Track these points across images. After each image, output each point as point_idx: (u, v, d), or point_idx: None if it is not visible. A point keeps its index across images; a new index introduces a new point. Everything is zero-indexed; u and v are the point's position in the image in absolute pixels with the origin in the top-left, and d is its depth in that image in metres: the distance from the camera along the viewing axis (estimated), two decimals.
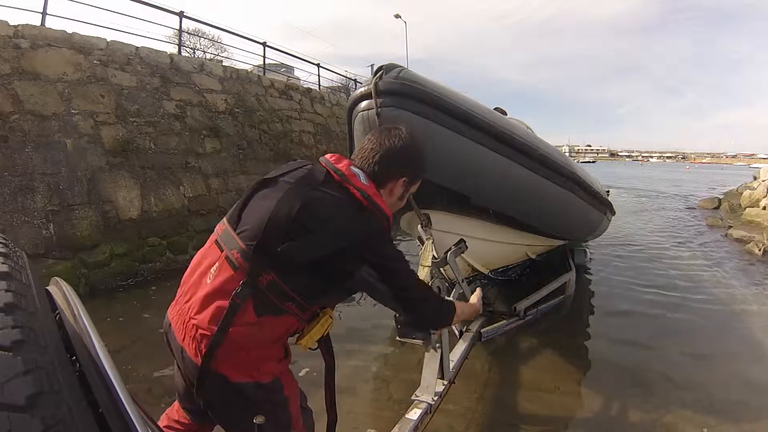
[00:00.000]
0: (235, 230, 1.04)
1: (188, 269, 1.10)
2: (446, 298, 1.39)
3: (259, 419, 0.92)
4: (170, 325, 1.08)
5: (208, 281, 1.02)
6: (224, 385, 1.01)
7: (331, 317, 1.12)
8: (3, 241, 0.85)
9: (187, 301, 1.04)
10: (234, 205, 1.11)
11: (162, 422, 1.25)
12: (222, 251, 1.03)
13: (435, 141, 2.03)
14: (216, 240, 1.07)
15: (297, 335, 1.10)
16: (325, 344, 1.18)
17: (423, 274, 2.17)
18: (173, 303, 1.11)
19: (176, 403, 1.27)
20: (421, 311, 1.20)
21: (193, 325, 1.00)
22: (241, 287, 0.97)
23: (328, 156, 1.13)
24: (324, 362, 1.21)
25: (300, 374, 2.37)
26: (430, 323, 1.36)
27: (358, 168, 1.10)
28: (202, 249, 1.11)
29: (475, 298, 1.72)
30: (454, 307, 1.31)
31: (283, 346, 1.10)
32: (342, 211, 1.02)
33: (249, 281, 0.98)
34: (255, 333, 1.00)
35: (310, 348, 1.12)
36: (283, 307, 1.00)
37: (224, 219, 1.10)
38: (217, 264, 1.02)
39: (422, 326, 1.41)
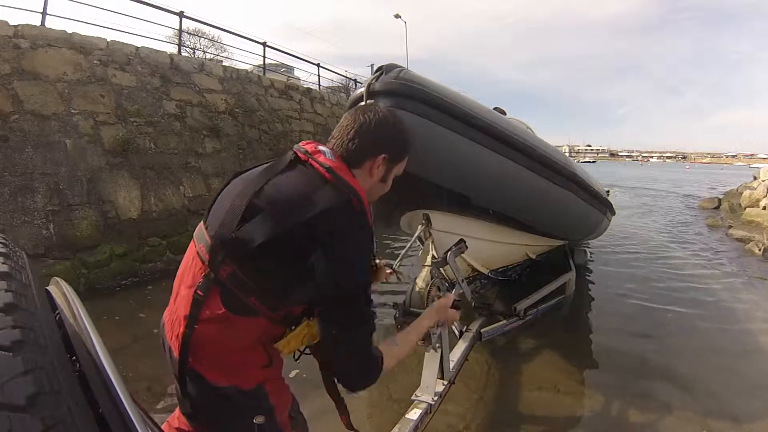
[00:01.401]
0: (204, 225, 1.02)
1: (179, 269, 1.09)
2: (376, 353, 1.09)
3: (259, 419, 0.91)
4: (163, 325, 1.08)
5: (186, 279, 1.01)
6: (204, 387, 0.99)
7: (310, 326, 1.02)
8: (3, 241, 0.85)
9: (174, 301, 1.04)
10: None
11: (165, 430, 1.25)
12: (195, 248, 1.02)
13: (435, 141, 2.03)
14: (193, 238, 1.06)
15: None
16: (313, 353, 1.12)
17: (423, 273, 2.16)
18: (168, 305, 1.10)
19: (177, 410, 1.26)
20: (346, 355, 1.02)
21: (175, 321, 1.00)
22: (203, 279, 0.95)
23: (301, 143, 1.06)
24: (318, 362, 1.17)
25: (290, 375, 2.37)
26: (349, 377, 1.08)
27: (329, 147, 1.04)
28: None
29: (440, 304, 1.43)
30: (381, 362, 1.10)
31: (265, 352, 1.03)
32: (299, 185, 0.95)
33: (209, 273, 0.94)
34: (225, 332, 0.96)
35: (292, 355, 1.06)
36: (248, 303, 0.94)
37: None
38: (191, 260, 1.02)
39: (341, 377, 1.09)
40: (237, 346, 0.99)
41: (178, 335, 0.98)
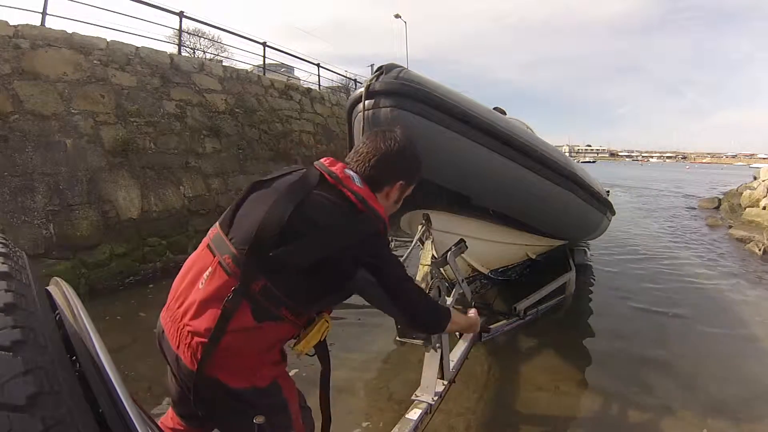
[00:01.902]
0: (227, 235, 1.02)
1: (179, 273, 1.08)
2: (443, 305, 1.35)
3: (259, 419, 0.91)
4: (163, 331, 1.06)
5: (201, 286, 1.00)
6: (222, 392, 1.00)
7: (327, 321, 1.10)
8: (3, 241, 0.85)
9: (179, 306, 1.02)
10: (227, 209, 1.10)
11: None
12: (214, 256, 1.01)
13: (435, 141, 2.03)
14: (208, 244, 1.06)
15: (295, 340, 1.08)
16: (320, 350, 1.15)
17: (422, 273, 2.16)
18: (164, 308, 1.08)
19: (170, 411, 1.26)
20: (418, 314, 1.17)
21: (188, 332, 0.98)
22: (233, 294, 0.95)
23: (322, 160, 1.11)
24: (321, 366, 1.19)
25: (290, 374, 2.38)
26: (427, 326, 1.30)
27: (353, 171, 1.09)
28: (194, 252, 1.10)
29: (472, 313, 1.61)
30: (449, 313, 1.28)
31: (279, 351, 1.09)
32: (336, 213, 1.01)
33: (240, 288, 0.96)
34: (250, 340, 0.98)
35: (307, 354, 1.11)
36: (278, 314, 0.99)
37: (217, 223, 1.09)
38: (210, 269, 1.01)
39: (420, 328, 1.36)
40: (256, 350, 1.01)
41: (191, 345, 0.97)
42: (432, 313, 1.22)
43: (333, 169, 1.06)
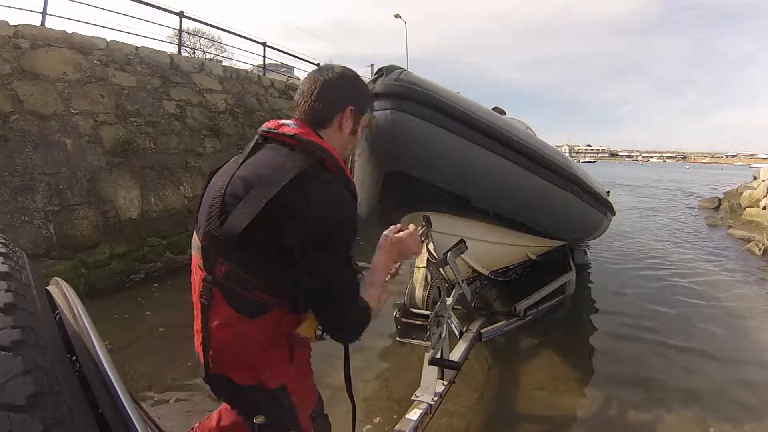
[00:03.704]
0: (196, 232, 1.02)
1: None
2: (362, 303, 1.02)
3: (259, 419, 0.92)
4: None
5: (195, 289, 1.04)
6: (231, 388, 1.01)
7: None
8: (3, 241, 0.85)
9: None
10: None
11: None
12: (194, 257, 1.03)
13: (435, 143, 2.03)
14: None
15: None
16: None
17: (419, 275, 2.16)
18: None
19: (223, 405, 1.25)
20: (340, 307, 0.98)
21: (196, 330, 1.02)
22: (203, 284, 0.95)
23: (264, 124, 1.04)
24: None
25: None
26: (346, 327, 1.03)
27: (295, 118, 1.03)
28: None
29: (404, 234, 1.22)
30: (367, 306, 1.04)
31: (286, 346, 1.03)
32: (267, 161, 0.94)
33: (207, 276, 0.94)
34: (241, 335, 0.96)
35: (321, 339, 1.05)
36: (254, 299, 0.93)
37: None
38: (194, 271, 1.03)
39: (338, 330, 1.03)
40: (257, 345, 0.98)
41: (200, 344, 1.00)
42: (356, 312, 1.01)
43: (268, 125, 1.01)
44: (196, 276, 1.01)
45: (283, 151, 0.95)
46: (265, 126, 1.03)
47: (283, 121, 1.01)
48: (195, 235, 1.03)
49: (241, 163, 0.98)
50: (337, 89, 1.04)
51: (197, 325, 1.00)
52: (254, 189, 0.90)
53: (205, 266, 0.95)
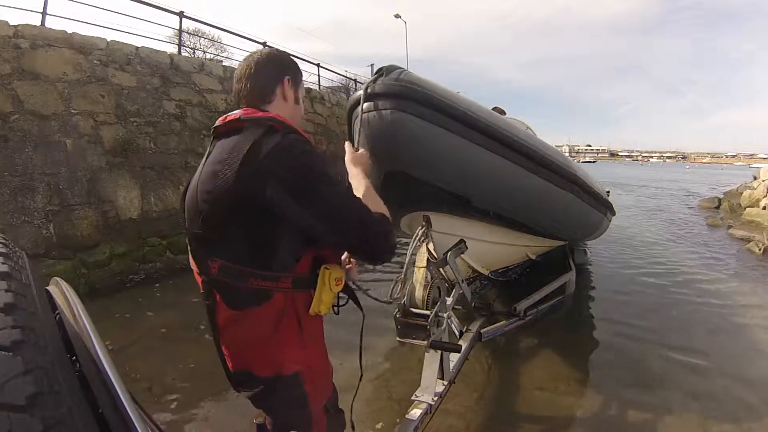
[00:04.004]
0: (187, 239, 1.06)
1: None
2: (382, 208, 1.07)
3: (259, 419, 0.92)
4: None
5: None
6: (252, 382, 1.03)
7: (328, 269, 1.00)
8: (3, 241, 0.85)
9: None
10: None
11: None
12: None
13: (435, 143, 2.03)
14: None
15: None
16: (350, 297, 1.14)
17: (419, 275, 2.17)
18: None
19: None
20: (371, 238, 0.97)
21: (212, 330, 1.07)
22: (204, 287, 0.98)
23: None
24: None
25: None
26: (381, 250, 1.01)
27: (240, 108, 1.06)
28: None
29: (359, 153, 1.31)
30: (384, 211, 1.07)
31: (295, 330, 1.01)
32: (225, 148, 0.96)
33: (204, 278, 0.97)
34: (249, 327, 0.97)
35: (334, 312, 1.07)
36: (251, 288, 0.93)
37: None
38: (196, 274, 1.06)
39: (376, 258, 1.02)
40: (265, 336, 0.98)
41: (216, 343, 1.05)
42: (383, 231, 1.01)
43: (218, 122, 1.06)
44: (199, 280, 1.03)
45: (235, 135, 0.97)
46: (216, 122, 1.06)
47: (229, 113, 1.04)
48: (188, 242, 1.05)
49: (205, 162, 1.01)
50: (270, 65, 1.08)
51: (210, 325, 1.04)
52: (220, 172, 0.91)
53: (199, 269, 0.97)
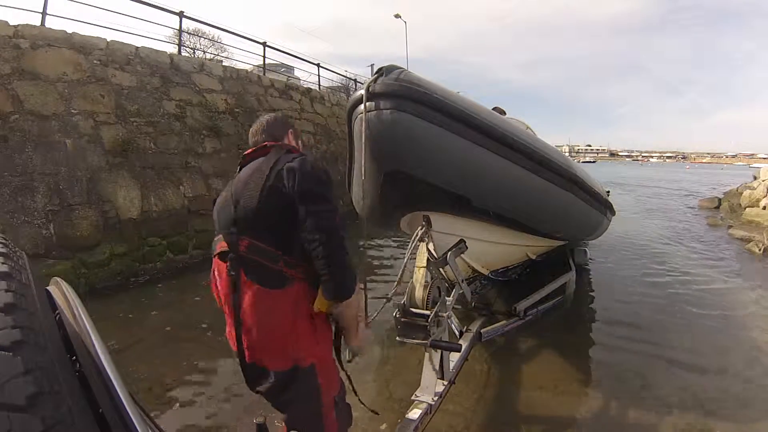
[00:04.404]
0: (220, 235, 1.26)
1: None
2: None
3: (259, 419, 0.91)
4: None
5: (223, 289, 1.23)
6: (266, 377, 1.16)
7: None
8: (3, 241, 0.85)
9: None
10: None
11: None
12: (218, 260, 1.24)
13: (435, 143, 2.03)
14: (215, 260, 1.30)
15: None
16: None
17: (419, 275, 2.16)
18: None
19: None
20: (334, 247, 1.13)
21: (228, 328, 1.22)
22: (230, 263, 1.15)
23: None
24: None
25: None
26: (339, 270, 1.15)
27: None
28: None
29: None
30: (356, 278, 1.21)
31: (310, 323, 1.17)
32: (254, 165, 1.29)
33: (233, 255, 1.15)
34: (271, 308, 1.12)
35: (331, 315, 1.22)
36: (278, 270, 1.14)
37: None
38: (219, 274, 1.24)
39: (333, 270, 1.13)
40: (284, 319, 1.14)
41: (233, 338, 1.16)
42: (345, 262, 1.16)
43: (248, 151, 1.40)
44: (220, 278, 1.20)
45: (263, 156, 1.30)
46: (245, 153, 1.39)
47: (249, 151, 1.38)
48: (217, 241, 1.23)
49: (235, 179, 1.29)
50: (278, 122, 1.49)
51: (229, 321, 1.18)
52: (252, 179, 1.21)
53: (230, 248, 1.16)
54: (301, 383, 1.15)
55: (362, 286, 1.44)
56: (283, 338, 1.13)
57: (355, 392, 1.46)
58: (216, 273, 1.24)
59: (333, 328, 1.29)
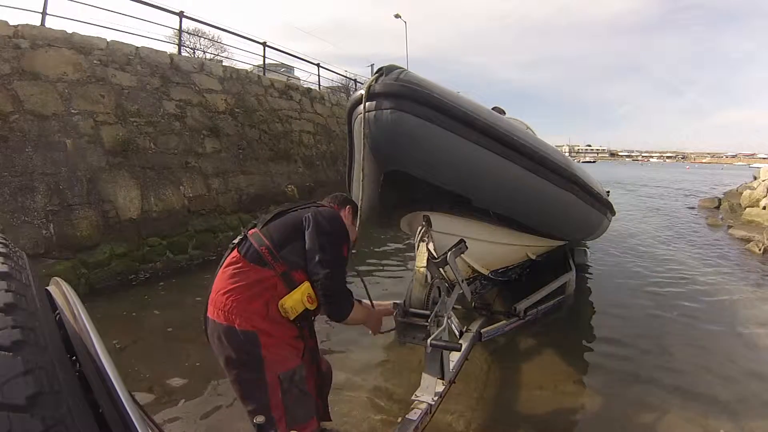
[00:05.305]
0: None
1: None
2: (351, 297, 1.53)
3: (259, 419, 0.91)
4: (207, 319, 1.50)
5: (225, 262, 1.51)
6: (215, 327, 1.39)
7: (307, 287, 1.40)
8: (3, 241, 0.85)
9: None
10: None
11: None
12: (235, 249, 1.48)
13: (435, 143, 2.03)
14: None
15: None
16: (308, 324, 1.49)
17: (419, 275, 2.16)
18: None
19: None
20: (332, 285, 1.42)
21: (217, 298, 1.43)
22: (238, 240, 1.47)
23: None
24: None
25: None
26: (336, 299, 1.46)
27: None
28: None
29: (389, 305, 1.95)
30: (352, 303, 1.51)
31: (265, 304, 1.35)
32: (302, 207, 1.60)
33: (243, 235, 1.47)
34: (239, 271, 1.37)
35: (297, 319, 1.39)
36: (260, 252, 1.39)
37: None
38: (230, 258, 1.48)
39: (330, 295, 1.44)
40: (245, 288, 1.35)
41: (215, 304, 1.39)
42: (343, 294, 1.47)
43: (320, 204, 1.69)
44: (231, 255, 1.45)
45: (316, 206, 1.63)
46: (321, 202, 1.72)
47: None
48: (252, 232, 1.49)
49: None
50: (339, 198, 1.77)
51: (213, 287, 1.42)
52: (295, 213, 1.56)
53: (246, 231, 1.49)
54: (241, 346, 1.31)
55: (363, 301, 1.77)
56: (237, 301, 1.33)
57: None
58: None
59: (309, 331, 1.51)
